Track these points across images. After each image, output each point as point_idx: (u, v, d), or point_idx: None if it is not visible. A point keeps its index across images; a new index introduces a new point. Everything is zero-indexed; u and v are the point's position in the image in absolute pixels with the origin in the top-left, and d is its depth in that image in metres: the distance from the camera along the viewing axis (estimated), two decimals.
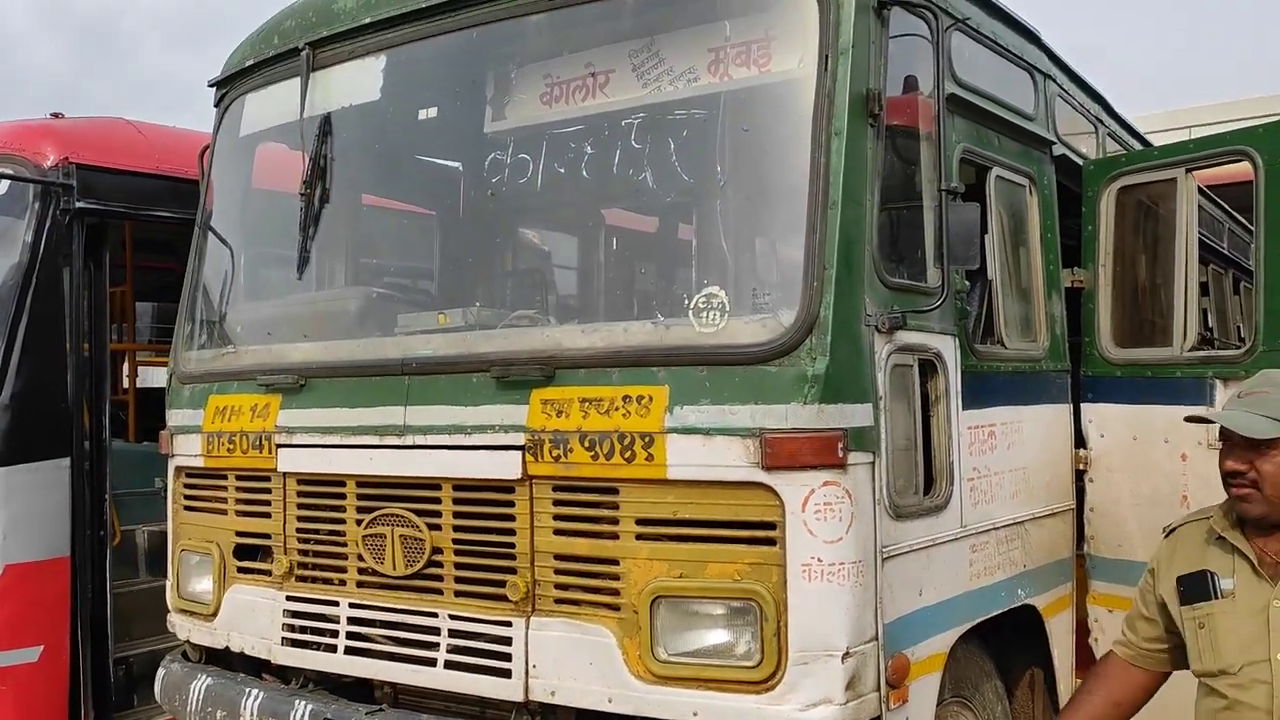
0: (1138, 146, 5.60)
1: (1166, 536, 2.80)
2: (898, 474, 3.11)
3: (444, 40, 3.66)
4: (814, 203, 2.94)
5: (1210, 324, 5.98)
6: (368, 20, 3.73)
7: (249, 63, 4.12)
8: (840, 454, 2.87)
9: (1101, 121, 5.03)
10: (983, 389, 3.59)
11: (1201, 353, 3.92)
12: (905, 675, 3.06)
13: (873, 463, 2.98)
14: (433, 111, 3.77)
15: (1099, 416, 4.15)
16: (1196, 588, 2.58)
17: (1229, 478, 2.54)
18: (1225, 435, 2.56)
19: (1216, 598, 2.54)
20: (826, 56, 3.01)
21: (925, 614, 3.22)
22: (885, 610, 3.00)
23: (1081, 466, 4.17)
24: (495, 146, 3.63)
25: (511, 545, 3.22)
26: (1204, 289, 5.72)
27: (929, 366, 3.32)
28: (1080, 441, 4.20)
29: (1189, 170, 3.97)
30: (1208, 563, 2.60)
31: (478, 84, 3.76)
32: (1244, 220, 7.51)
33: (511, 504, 3.22)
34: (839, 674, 2.85)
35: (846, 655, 2.86)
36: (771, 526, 2.89)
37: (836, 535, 2.88)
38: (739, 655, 2.93)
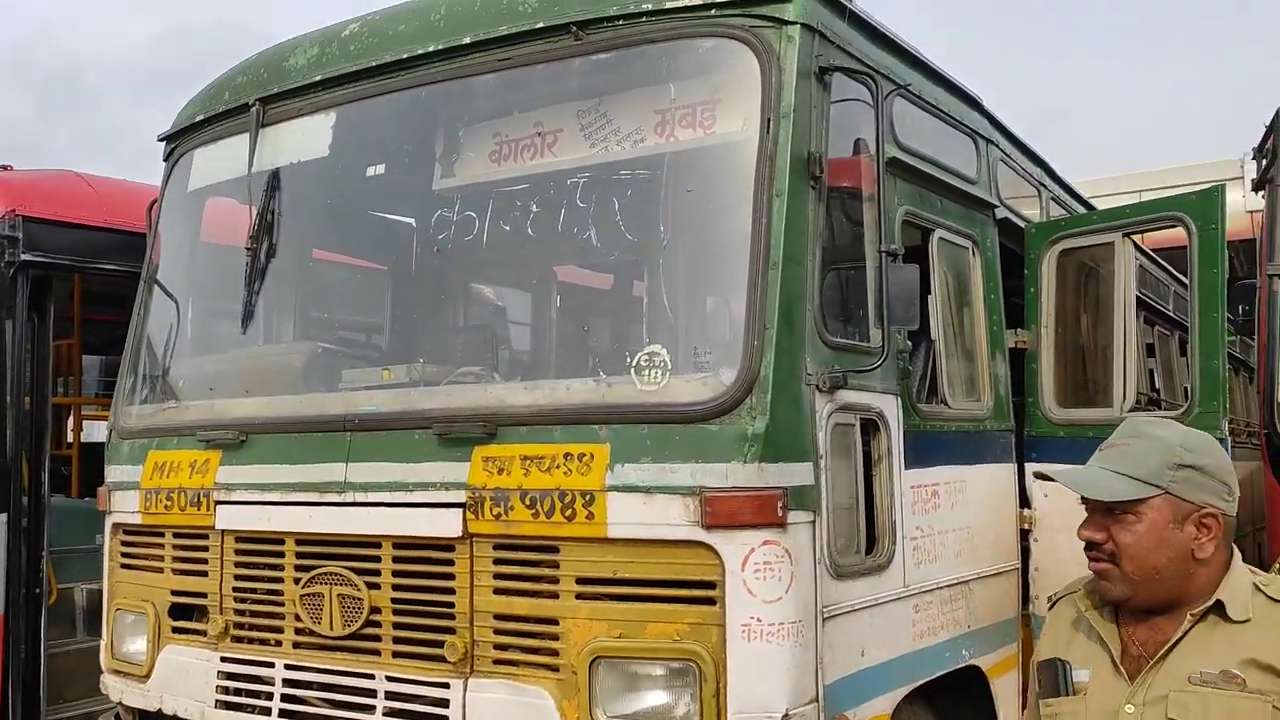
0: (1081, 209, 5.73)
1: (1050, 608, 2.30)
2: (839, 533, 3.11)
3: (394, 98, 3.69)
4: (755, 263, 2.98)
5: (1157, 385, 6.09)
6: (319, 78, 3.76)
7: (199, 118, 4.13)
8: (780, 513, 2.87)
9: (1045, 185, 5.15)
10: (926, 448, 3.61)
11: (1141, 413, 3.97)
12: None
13: (813, 522, 2.98)
14: (381, 168, 3.79)
15: None
16: (1050, 678, 2.14)
17: (1086, 549, 2.07)
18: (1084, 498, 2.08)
19: (1066, 693, 2.08)
20: (768, 120, 3.07)
21: (867, 675, 3.21)
22: (826, 671, 2.99)
23: (1026, 526, 4.19)
24: (443, 204, 3.65)
25: (451, 605, 3.18)
26: (1150, 350, 5.83)
27: (871, 425, 3.34)
28: (1025, 501, 4.23)
29: (1126, 235, 4.06)
30: (1070, 648, 2.14)
31: (427, 141, 3.79)
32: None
33: (451, 563, 3.18)
34: None
35: (786, 717, 2.84)
36: (711, 586, 2.87)
37: (776, 595, 2.86)
38: (678, 717, 2.89)
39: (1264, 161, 4.41)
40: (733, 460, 2.87)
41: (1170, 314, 7.13)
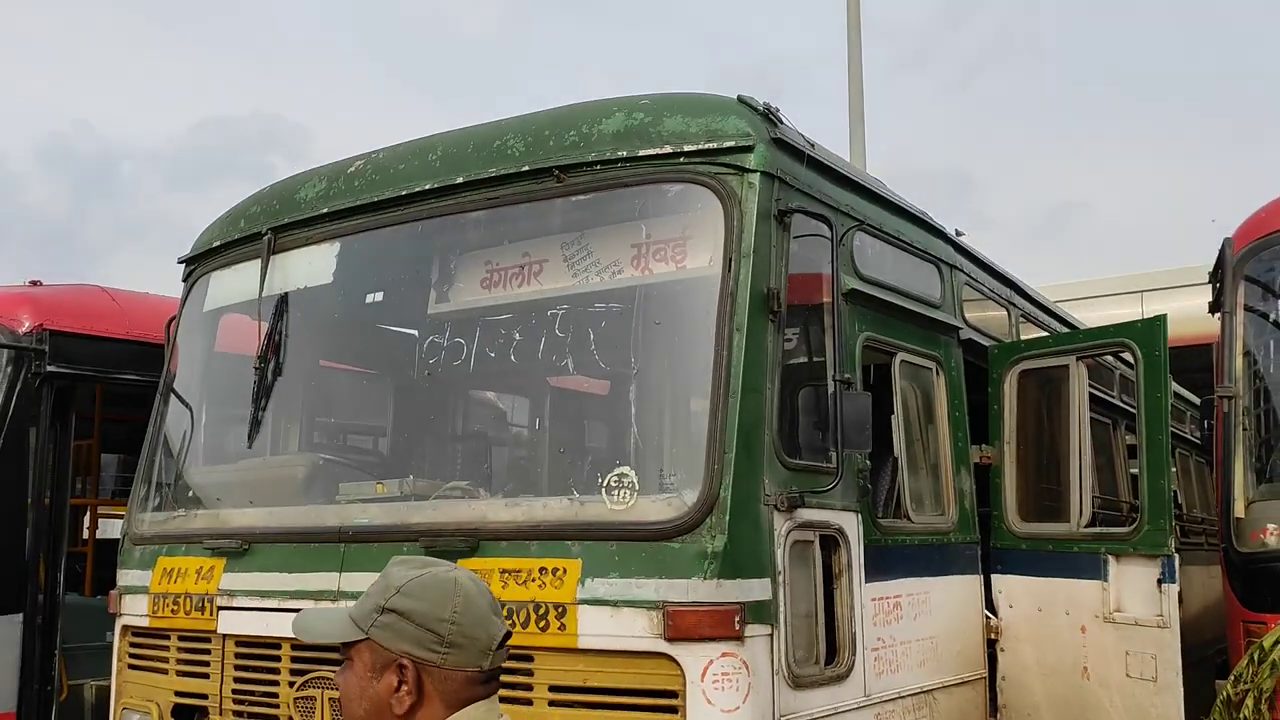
0: (1056, 324, 5.98)
1: None
2: (798, 644, 3.30)
3: (394, 230, 4.01)
4: (716, 392, 3.23)
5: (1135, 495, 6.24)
6: (326, 210, 4.09)
7: (216, 243, 4.47)
8: (737, 627, 3.07)
9: (1014, 304, 5.42)
10: (888, 561, 3.81)
11: (1095, 529, 4.17)
12: None
13: (770, 634, 3.18)
14: (380, 295, 4.10)
15: (1007, 587, 4.36)
16: None
17: None
18: None
19: None
20: (730, 259, 3.36)
21: None
22: None
23: (993, 636, 4.36)
24: (436, 328, 3.95)
25: None
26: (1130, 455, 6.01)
27: (831, 541, 3.54)
28: (993, 611, 4.40)
29: (1079, 358, 4.30)
30: None
31: (423, 269, 4.10)
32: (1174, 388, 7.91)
33: None
34: None
35: None
36: (673, 695, 3.06)
37: (734, 704, 3.05)
38: None
39: (1216, 286, 4.66)
40: (693, 576, 3.08)
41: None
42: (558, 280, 3.79)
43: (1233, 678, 4.02)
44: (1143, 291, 13.17)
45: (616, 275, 3.66)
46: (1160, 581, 3.81)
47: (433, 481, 3.78)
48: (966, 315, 4.74)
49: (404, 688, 1.74)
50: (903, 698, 3.79)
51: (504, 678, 3.24)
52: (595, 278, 3.68)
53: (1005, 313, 5.31)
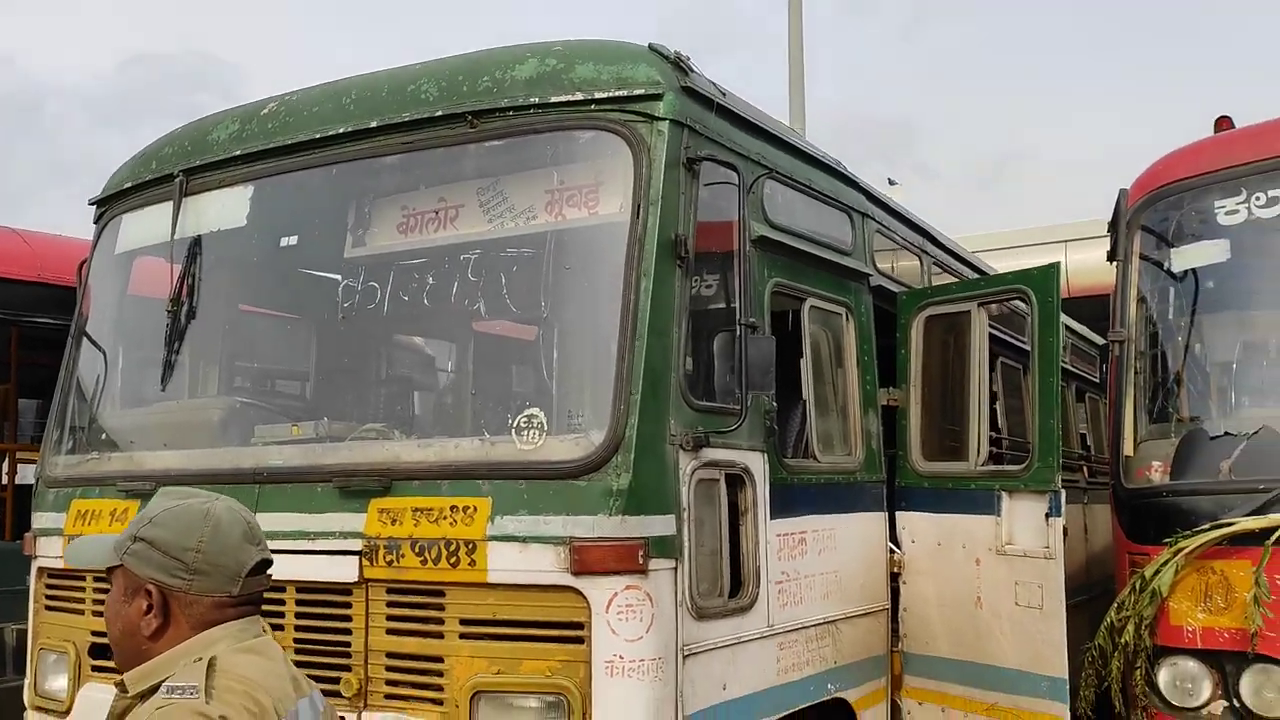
0: (968, 272, 6.16)
1: None
2: (702, 578, 3.44)
3: (309, 174, 4.01)
4: (624, 335, 3.32)
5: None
6: (238, 152, 4.07)
7: (128, 184, 4.42)
8: (641, 561, 3.20)
9: (926, 252, 5.57)
10: (794, 499, 3.96)
11: (991, 467, 4.36)
12: None
13: (675, 568, 3.31)
14: (295, 239, 4.10)
15: (910, 523, 4.55)
16: None
17: None
18: None
19: None
20: (639, 206, 3.43)
21: (729, 707, 3.53)
22: (686, 703, 3.30)
23: (896, 570, 4.56)
24: (351, 272, 3.97)
25: (348, 644, 3.46)
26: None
27: (737, 480, 3.68)
28: (897, 546, 4.60)
29: (981, 304, 4.47)
30: None
31: (339, 214, 4.10)
32: (1086, 334, 8.20)
33: (349, 605, 3.47)
34: None
35: None
36: (579, 626, 3.19)
37: (637, 634, 3.18)
38: None
39: (1113, 235, 4.84)
40: (599, 513, 3.20)
41: (1074, 371, 7.61)
42: (473, 226, 3.83)
43: (1116, 605, 4.27)
44: (1066, 241, 13.51)
45: (531, 221, 3.71)
46: (1048, 515, 4.01)
47: (348, 424, 3.83)
48: (878, 262, 4.87)
49: (151, 611, 1.85)
50: (806, 628, 3.97)
51: (417, 613, 3.38)
52: (510, 223, 3.73)
53: (917, 260, 5.46)
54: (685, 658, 3.32)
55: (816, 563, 4.08)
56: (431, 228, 3.95)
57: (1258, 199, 4.32)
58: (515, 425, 3.34)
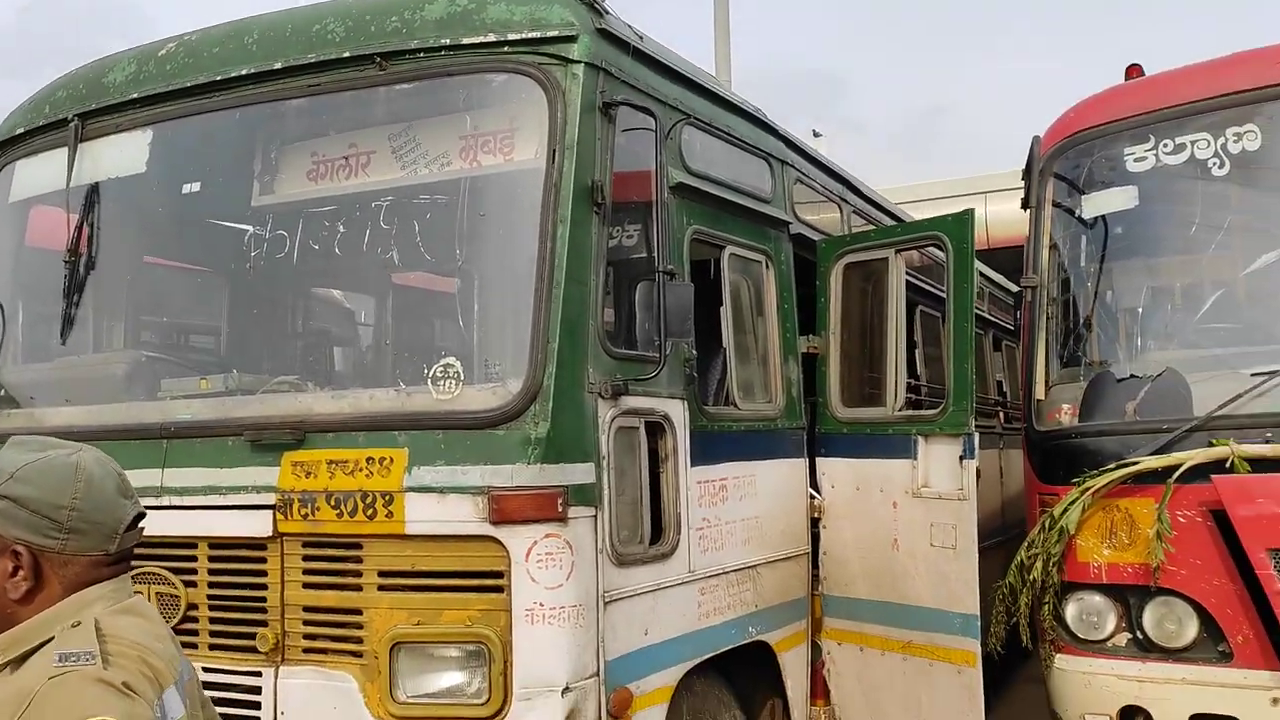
0: (888, 221, 6.22)
1: None
2: (622, 525, 3.45)
3: (211, 118, 3.86)
4: (540, 283, 3.28)
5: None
6: (135, 95, 3.90)
7: (20, 131, 4.21)
8: (560, 509, 3.19)
9: (845, 200, 5.60)
10: (714, 446, 3.98)
11: (908, 412, 4.44)
12: (628, 707, 3.38)
13: (594, 516, 3.31)
14: (198, 186, 3.96)
15: (829, 469, 4.62)
16: None
17: None
18: None
19: None
20: (554, 151, 3.37)
21: (650, 651, 3.56)
22: (608, 649, 3.32)
23: (816, 515, 4.63)
24: (259, 220, 3.85)
25: (263, 599, 3.41)
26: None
27: (657, 428, 3.68)
28: (817, 491, 4.67)
29: (898, 251, 4.51)
30: None
31: (245, 160, 3.97)
32: (1004, 283, 8.36)
33: (264, 560, 3.41)
34: (559, 707, 3.14)
35: (566, 690, 3.16)
36: (499, 575, 3.18)
37: (557, 582, 3.18)
38: (470, 694, 3.19)
39: (1026, 183, 4.91)
40: (517, 462, 3.18)
41: (984, 314, 7.76)
42: (385, 173, 3.73)
43: (1026, 544, 4.38)
44: (987, 193, 13.72)
45: (445, 168, 3.63)
46: (962, 458, 4.10)
47: (260, 376, 3.74)
48: (798, 211, 4.88)
49: (20, 573, 1.72)
50: (726, 573, 4.01)
51: (334, 566, 3.34)
52: (424, 170, 3.64)
53: (837, 209, 5.49)
54: (606, 604, 3.33)
55: (737, 509, 4.12)
56: (342, 175, 3.84)
57: (1165, 146, 4.41)
58: (431, 375, 3.29)
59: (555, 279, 3.28)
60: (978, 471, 4.18)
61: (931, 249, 4.79)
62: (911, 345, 5.77)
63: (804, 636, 4.55)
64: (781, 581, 4.40)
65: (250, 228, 3.86)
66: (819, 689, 4.60)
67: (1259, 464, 3.84)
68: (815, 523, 4.64)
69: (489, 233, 3.53)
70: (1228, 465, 3.87)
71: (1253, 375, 3.96)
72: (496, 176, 3.52)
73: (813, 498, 4.64)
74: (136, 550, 3.35)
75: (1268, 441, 3.84)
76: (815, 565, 4.63)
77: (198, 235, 4.21)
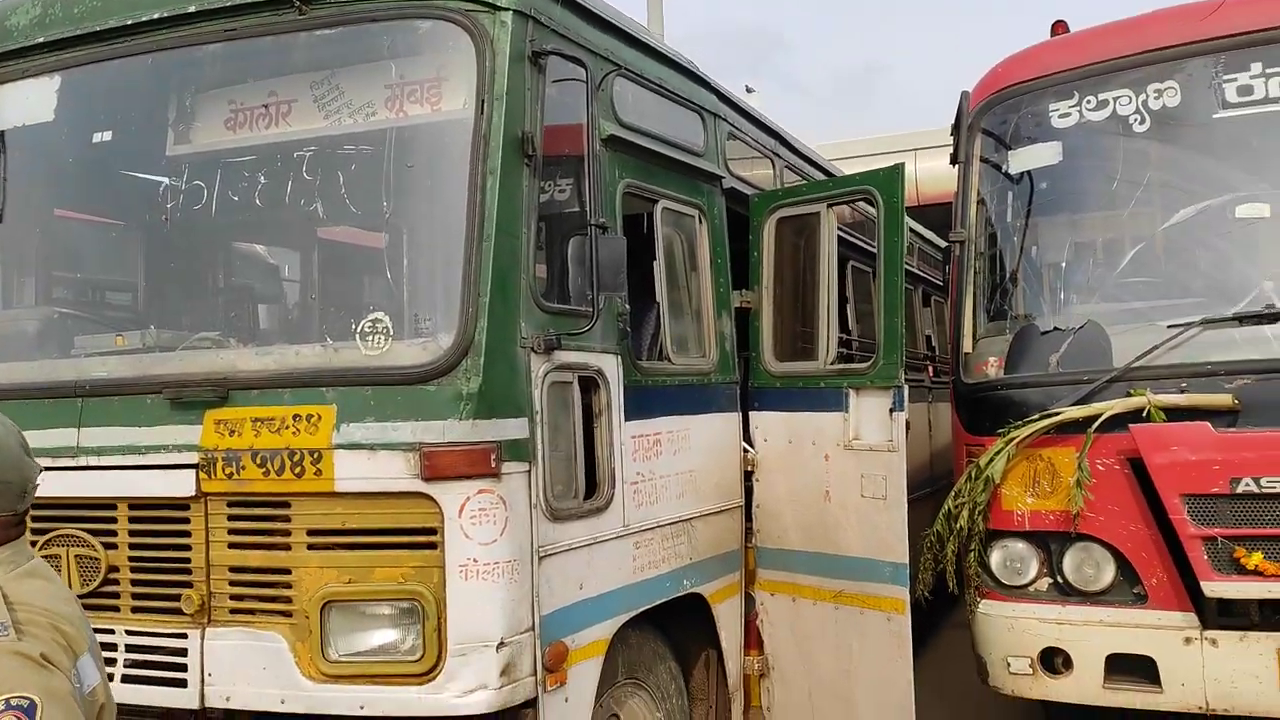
0: (820, 176, 6.24)
1: None
2: (556, 480, 3.43)
3: (122, 63, 3.70)
4: (470, 236, 3.23)
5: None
6: (41, 39, 3.72)
7: None
8: (493, 464, 3.16)
9: (778, 154, 5.60)
10: (648, 401, 3.98)
11: (839, 366, 4.48)
12: (563, 660, 3.39)
13: (528, 471, 3.29)
14: (109, 135, 3.80)
15: (763, 423, 4.65)
16: None
17: None
18: None
19: None
20: (483, 101, 3.30)
21: (586, 605, 3.56)
22: (543, 603, 3.32)
23: (750, 468, 4.66)
24: (175, 171, 3.71)
25: (187, 560, 3.33)
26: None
27: (591, 382, 3.66)
28: (751, 445, 4.70)
29: (830, 205, 4.53)
30: None
31: (159, 108, 3.81)
32: (935, 239, 8.47)
33: (187, 520, 3.33)
34: (494, 662, 3.14)
35: (501, 645, 3.15)
36: (432, 532, 3.15)
37: (491, 538, 3.16)
38: (404, 651, 3.17)
39: (955, 138, 4.96)
40: (449, 418, 3.13)
41: (915, 269, 7.86)
42: (307, 122, 3.62)
43: (953, 493, 4.48)
44: (919, 149, 13.87)
45: (370, 118, 3.53)
46: (892, 410, 4.16)
47: (179, 333, 3.63)
48: (731, 165, 4.86)
49: None
50: (661, 527, 4.03)
51: (261, 525, 3.27)
52: (348, 119, 3.54)
53: (770, 163, 5.48)
54: (541, 559, 3.32)
55: (671, 463, 4.13)
56: (262, 124, 3.71)
57: (1088, 103, 4.47)
58: (359, 330, 3.23)
59: (485, 232, 3.22)
60: (907, 424, 4.24)
61: (863, 204, 4.82)
62: (844, 300, 5.82)
63: (738, 588, 4.61)
64: (716, 534, 4.43)
65: (165, 179, 3.72)
66: (753, 639, 4.67)
67: (1174, 413, 3.96)
68: (749, 476, 4.68)
69: (417, 185, 3.45)
70: (1145, 415, 3.99)
71: (1169, 327, 4.06)
72: (423, 127, 3.44)
73: (746, 451, 4.67)
74: (53, 513, 3.27)
75: (1183, 391, 3.95)
76: (749, 518, 4.68)
77: (111, 187, 4.04)
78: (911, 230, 7.98)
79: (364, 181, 3.48)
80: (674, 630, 4.27)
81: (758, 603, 4.67)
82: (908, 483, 4.24)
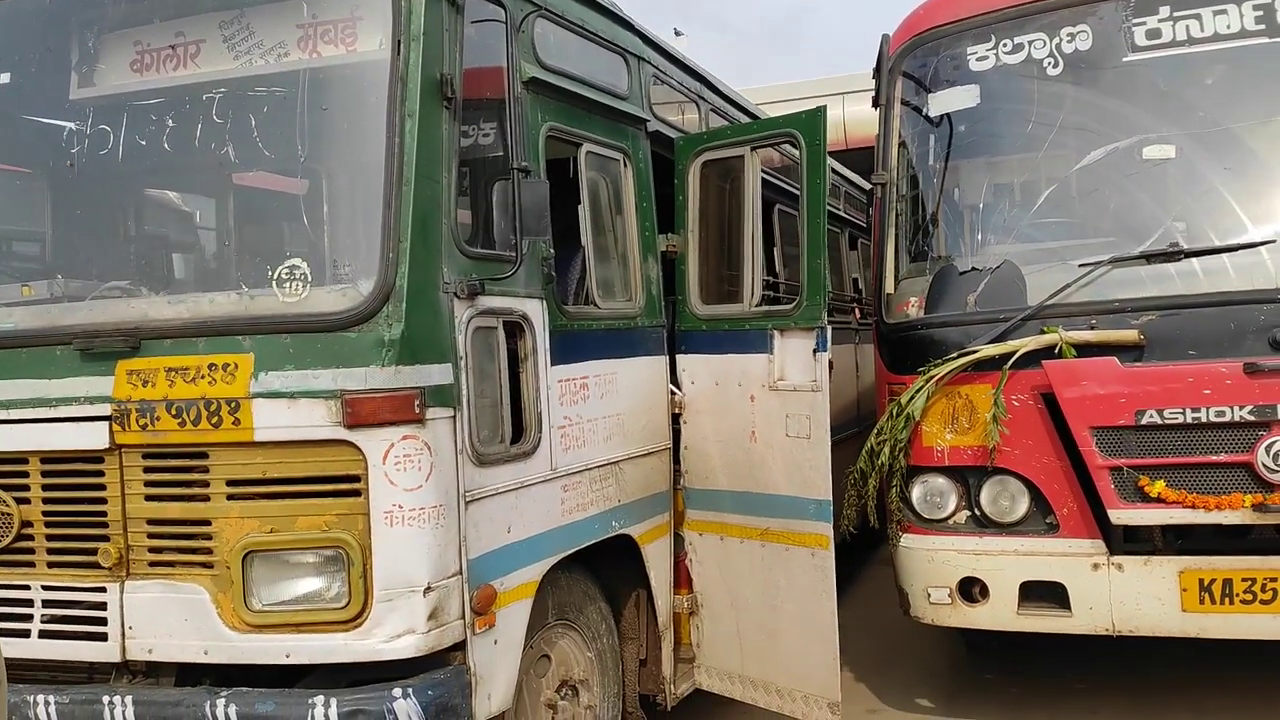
0: (744, 119, 6.23)
1: None
2: (483, 425, 3.43)
3: (22, 1, 3.55)
4: (389, 180, 3.17)
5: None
6: None
7: None
8: (417, 410, 3.14)
9: (704, 98, 5.57)
10: (574, 346, 3.98)
11: (764, 308, 4.53)
12: (492, 603, 3.42)
13: (453, 416, 3.28)
14: (7, 77, 3.65)
15: (690, 366, 4.69)
16: None
17: None
18: None
19: None
20: (399, 42, 3.23)
21: (514, 549, 3.59)
22: (470, 548, 3.33)
23: (677, 410, 4.71)
24: (79, 115, 3.58)
25: (103, 514, 3.28)
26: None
27: (516, 327, 3.65)
28: (678, 387, 4.74)
29: (754, 148, 4.54)
30: None
31: (60, 49, 3.66)
32: (861, 183, 8.54)
33: (101, 474, 3.27)
34: (421, 607, 3.15)
35: (428, 590, 3.16)
36: (356, 479, 3.13)
37: (416, 484, 3.16)
38: (329, 598, 3.16)
39: (876, 81, 5.00)
40: (371, 365, 3.11)
41: (840, 212, 7.93)
42: (217, 63, 3.51)
43: (875, 431, 4.59)
44: (844, 94, 13.90)
45: (283, 59, 3.43)
46: (815, 351, 4.21)
47: (88, 282, 3.52)
48: (656, 109, 4.84)
49: None
50: (589, 469, 4.06)
51: (178, 476, 3.22)
52: (259, 61, 3.44)
53: (696, 107, 5.46)
54: (468, 504, 3.33)
55: (599, 407, 4.15)
56: (170, 65, 3.59)
57: (1005, 46, 4.54)
58: (276, 277, 3.17)
59: (405, 176, 3.18)
60: (831, 364, 4.31)
61: (787, 147, 4.84)
62: (770, 243, 5.86)
63: (667, 529, 4.67)
64: (644, 476, 4.48)
65: (69, 123, 3.59)
66: (682, 579, 4.75)
67: (1084, 349, 4.09)
68: (676, 418, 4.72)
69: (333, 128, 3.38)
70: (1057, 351, 4.11)
71: (1080, 266, 4.18)
72: (338, 68, 3.36)
73: (673, 394, 4.71)
74: None
75: (1092, 328, 4.08)
76: (677, 460, 4.73)
77: (12, 132, 3.88)
78: (838, 174, 8.05)
79: (278, 125, 3.39)
80: (604, 571, 4.33)
81: (687, 542, 4.75)
82: (834, 423, 4.32)
